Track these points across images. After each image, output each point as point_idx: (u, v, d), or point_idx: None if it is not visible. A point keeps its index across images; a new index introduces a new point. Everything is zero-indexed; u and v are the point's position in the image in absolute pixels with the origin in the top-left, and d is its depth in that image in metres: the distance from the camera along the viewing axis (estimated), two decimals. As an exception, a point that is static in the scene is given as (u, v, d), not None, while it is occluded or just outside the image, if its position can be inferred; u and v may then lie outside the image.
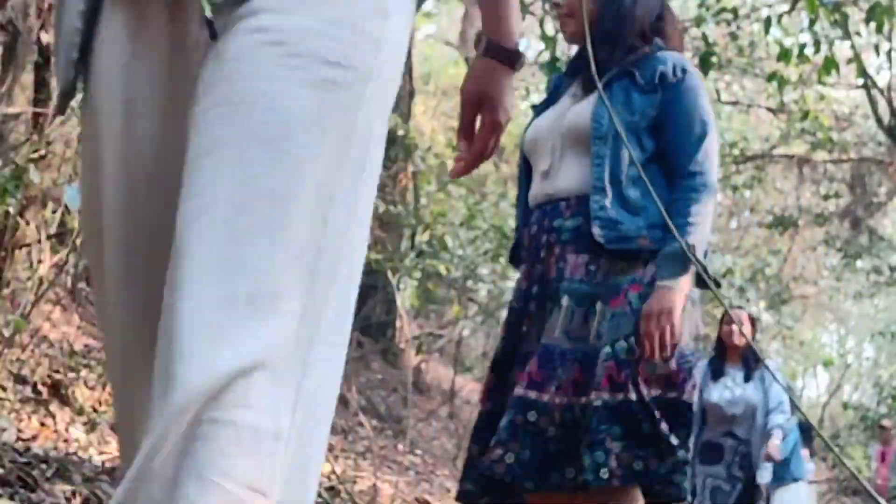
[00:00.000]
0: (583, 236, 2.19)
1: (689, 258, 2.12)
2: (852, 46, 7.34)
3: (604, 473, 2.06)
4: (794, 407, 4.89)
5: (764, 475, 4.95)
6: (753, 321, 5.30)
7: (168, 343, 0.89)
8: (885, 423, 10.45)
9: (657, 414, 2.11)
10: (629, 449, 2.09)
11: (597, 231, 2.17)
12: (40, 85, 5.08)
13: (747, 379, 5.00)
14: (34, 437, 3.10)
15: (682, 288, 2.15)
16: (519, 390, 2.13)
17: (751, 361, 5.03)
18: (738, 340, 4.97)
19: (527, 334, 2.24)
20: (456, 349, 10.35)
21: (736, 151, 11.75)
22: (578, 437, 2.10)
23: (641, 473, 2.11)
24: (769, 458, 4.86)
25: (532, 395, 2.13)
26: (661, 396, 2.14)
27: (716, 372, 5.07)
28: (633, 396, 2.11)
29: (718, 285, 2.33)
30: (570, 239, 2.21)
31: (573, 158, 2.27)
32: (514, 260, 2.47)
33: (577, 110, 2.30)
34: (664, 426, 2.11)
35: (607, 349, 2.12)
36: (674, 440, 2.12)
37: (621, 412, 2.09)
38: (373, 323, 8.86)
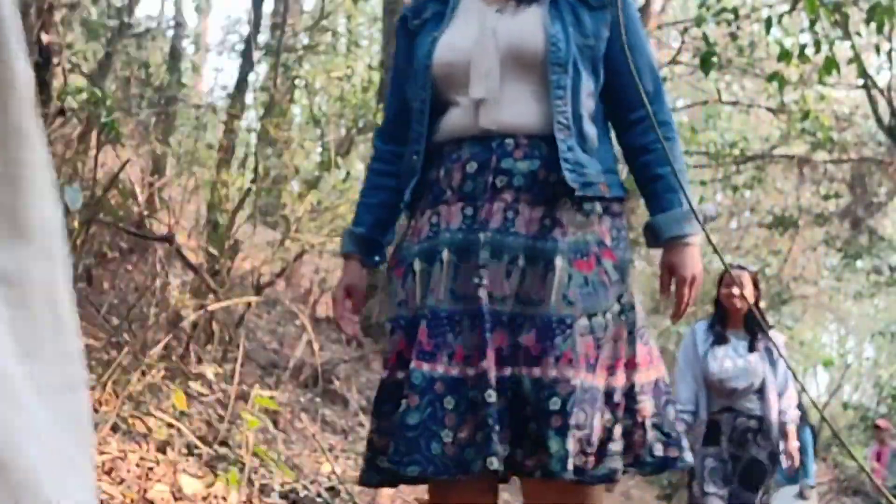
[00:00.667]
0: (539, 184, 1.87)
1: (695, 215, 1.93)
2: (852, 46, 7.35)
3: (573, 465, 1.77)
4: (814, 406, 4.33)
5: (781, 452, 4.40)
6: (756, 282, 4.60)
7: None
8: (881, 422, 10.46)
9: (636, 402, 1.86)
10: (604, 442, 1.82)
11: (569, 176, 1.85)
12: (40, 85, 5.09)
13: (751, 348, 4.41)
14: (34, 437, 3.09)
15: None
16: (486, 363, 1.79)
17: (755, 328, 4.43)
18: (740, 304, 4.40)
19: (452, 288, 1.86)
20: (456, 349, 10.31)
21: (736, 151, 11.76)
22: (526, 414, 1.80)
23: (614, 470, 1.83)
24: (789, 459, 4.35)
25: (504, 371, 1.82)
26: (634, 381, 1.88)
27: (717, 337, 4.48)
28: (599, 383, 1.83)
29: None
30: (524, 186, 1.86)
31: (518, 87, 1.91)
32: (412, 204, 1.99)
33: (517, 28, 1.93)
34: (643, 416, 1.85)
35: (584, 321, 1.82)
36: (654, 431, 1.86)
37: (596, 398, 1.82)
38: (373, 323, 8.86)
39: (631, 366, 1.88)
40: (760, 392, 4.37)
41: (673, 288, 1.97)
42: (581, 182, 1.86)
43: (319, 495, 3.91)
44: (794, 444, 4.39)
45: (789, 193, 13.18)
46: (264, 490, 3.62)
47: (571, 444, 1.76)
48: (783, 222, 12.36)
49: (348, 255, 2.09)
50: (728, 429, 4.39)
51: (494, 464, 1.73)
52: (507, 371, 1.81)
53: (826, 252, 14.66)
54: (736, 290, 4.35)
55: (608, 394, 1.84)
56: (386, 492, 4.65)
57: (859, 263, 13.52)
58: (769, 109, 11.68)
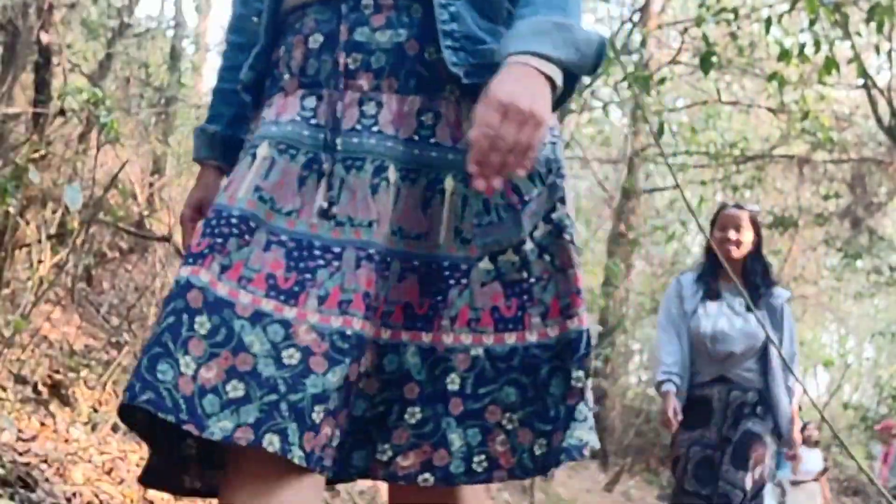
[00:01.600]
0: (410, 62, 1.31)
1: (568, 35, 1.26)
2: (852, 46, 7.34)
3: (479, 464, 1.32)
4: (814, 406, 3.46)
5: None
6: (757, 225, 3.73)
7: None
8: (888, 423, 10.45)
9: (568, 362, 1.34)
10: (530, 423, 1.33)
11: (449, 56, 1.29)
12: (40, 85, 5.09)
13: (750, 308, 3.56)
14: (34, 437, 3.10)
15: (551, 80, 1.24)
16: (336, 321, 1.24)
17: (758, 285, 3.63)
18: (736, 252, 3.64)
19: (258, 185, 1.28)
20: (456, 349, 10.32)
21: (736, 151, 11.76)
22: (400, 397, 1.31)
23: (542, 459, 1.34)
24: (790, 451, 3.60)
25: (354, 324, 1.25)
26: (564, 334, 1.34)
27: (708, 291, 3.69)
28: (532, 339, 1.33)
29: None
30: (387, 66, 1.31)
31: None
32: (255, 93, 1.44)
33: None
34: (578, 380, 1.34)
35: (486, 265, 1.32)
36: (588, 401, 1.36)
37: (515, 366, 1.33)
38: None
39: (557, 311, 1.36)
40: (762, 360, 3.60)
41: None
42: (473, 64, 1.30)
43: (319, 495, 3.91)
44: (797, 429, 3.65)
45: (789, 193, 13.17)
46: (264, 490, 3.61)
47: (483, 435, 1.32)
48: (783, 222, 12.35)
49: (202, 162, 1.55)
50: (721, 405, 3.61)
51: (276, 444, 1.17)
52: (388, 334, 1.30)
53: (826, 252, 14.65)
54: (732, 234, 3.65)
55: (565, 346, 1.34)
56: (386, 492, 4.65)
57: (859, 263, 13.51)
58: (769, 109, 11.67)
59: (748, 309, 3.57)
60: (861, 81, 9.67)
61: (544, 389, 1.34)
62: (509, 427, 1.33)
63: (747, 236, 3.67)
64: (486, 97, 1.20)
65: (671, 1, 13.64)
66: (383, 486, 5.34)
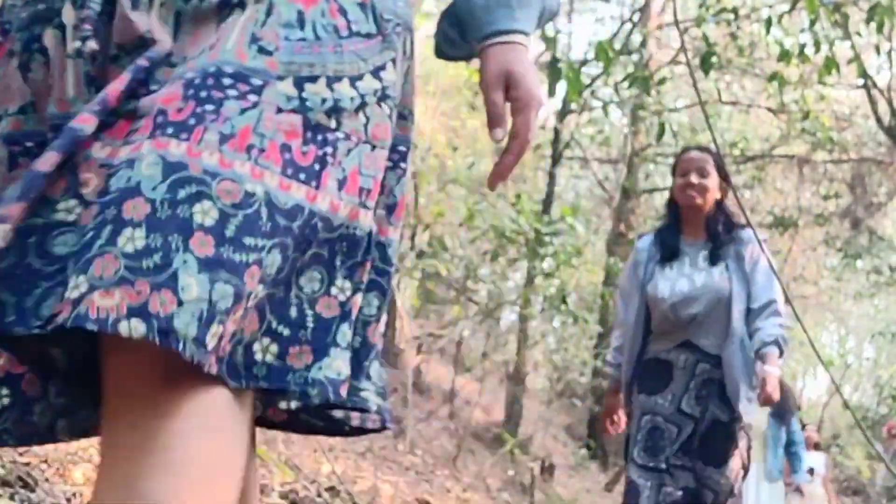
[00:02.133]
0: None
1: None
2: (852, 46, 7.35)
3: (214, 336, 0.86)
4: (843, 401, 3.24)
5: (749, 409, 3.15)
6: (724, 170, 3.35)
7: None
8: (892, 423, 10.47)
9: (336, 259, 1.00)
10: (262, 309, 0.94)
11: None
12: (40, 85, 5.09)
13: (714, 261, 3.22)
14: (34, 438, 3.10)
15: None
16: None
17: (719, 234, 3.21)
18: (700, 199, 3.23)
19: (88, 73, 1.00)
20: (456, 349, 10.35)
21: (736, 151, 11.76)
22: (116, 218, 0.86)
23: (264, 371, 0.93)
24: (766, 400, 3.01)
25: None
26: (352, 222, 1.00)
27: (668, 251, 3.29)
28: (323, 206, 0.97)
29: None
30: None
31: None
32: None
33: None
34: (342, 291, 0.99)
35: (287, 87, 0.97)
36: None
37: (294, 230, 0.95)
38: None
39: (393, 210, 1.09)
40: (724, 318, 3.17)
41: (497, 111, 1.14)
42: None
43: (319, 495, 3.91)
44: (770, 370, 3.03)
45: (789, 193, 13.18)
46: (264, 490, 3.62)
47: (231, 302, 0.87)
48: (783, 222, 12.36)
49: None
50: (684, 374, 3.21)
51: None
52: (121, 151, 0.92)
53: (826, 252, 14.66)
54: (694, 178, 3.22)
55: (345, 238, 1.00)
56: (386, 492, 4.65)
57: (859, 263, 13.54)
58: (769, 109, 11.68)
59: (712, 263, 3.22)
60: (861, 81, 9.68)
61: (297, 276, 0.97)
62: (250, 303, 0.91)
63: (712, 182, 3.27)
64: (524, 96, 1.12)
65: (671, 1, 13.66)
66: (383, 487, 5.30)
